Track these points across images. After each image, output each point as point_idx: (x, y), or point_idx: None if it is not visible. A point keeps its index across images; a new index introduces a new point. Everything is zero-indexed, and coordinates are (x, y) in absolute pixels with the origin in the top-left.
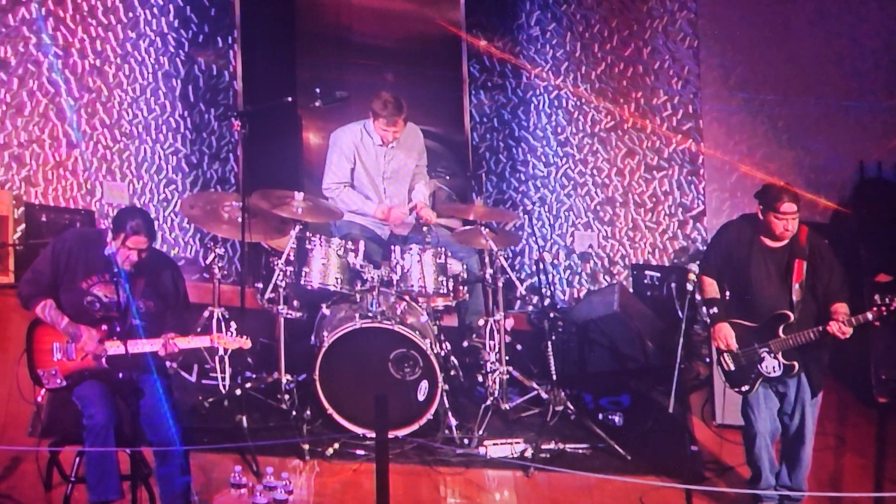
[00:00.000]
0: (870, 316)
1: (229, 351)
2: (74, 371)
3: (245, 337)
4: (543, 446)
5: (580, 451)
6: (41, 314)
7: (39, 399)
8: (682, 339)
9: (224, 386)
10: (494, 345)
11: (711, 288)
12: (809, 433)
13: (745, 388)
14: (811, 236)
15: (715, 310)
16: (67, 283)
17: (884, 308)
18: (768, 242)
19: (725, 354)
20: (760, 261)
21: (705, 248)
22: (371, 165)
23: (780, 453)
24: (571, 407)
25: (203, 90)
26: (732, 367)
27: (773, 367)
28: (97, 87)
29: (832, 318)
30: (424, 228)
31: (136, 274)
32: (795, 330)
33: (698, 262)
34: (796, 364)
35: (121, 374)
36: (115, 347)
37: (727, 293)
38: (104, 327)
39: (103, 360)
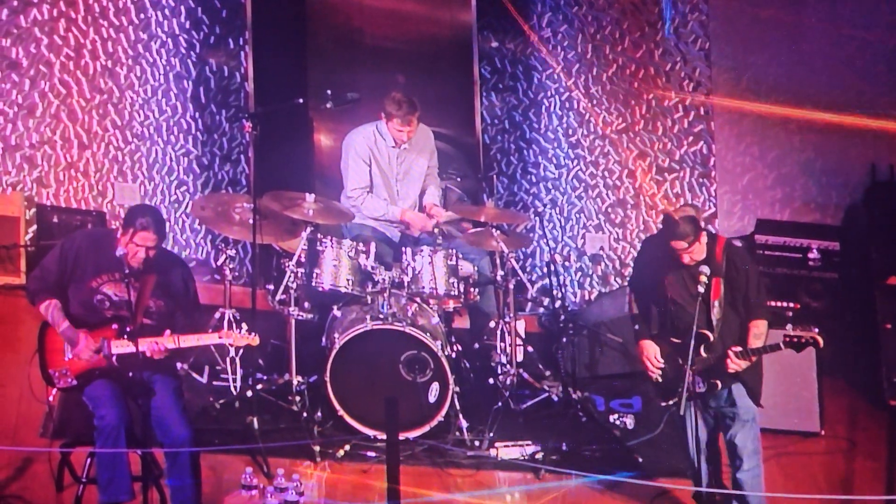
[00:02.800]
0: (782, 346)
1: (240, 352)
2: (85, 370)
3: (253, 334)
4: (554, 448)
5: (591, 453)
6: (44, 313)
7: (51, 399)
8: (692, 342)
9: (235, 387)
10: (505, 347)
11: (637, 304)
12: (747, 452)
13: (673, 401)
14: (728, 248)
15: (637, 326)
16: (77, 282)
17: (795, 339)
18: (683, 259)
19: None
20: (679, 278)
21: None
22: (385, 167)
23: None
24: (582, 409)
25: (214, 92)
26: (661, 381)
27: (699, 384)
28: (108, 88)
29: (746, 336)
30: (435, 230)
31: (147, 273)
32: (718, 348)
33: (629, 279)
34: (719, 383)
35: (131, 373)
36: (124, 346)
37: (652, 308)
38: (114, 326)
39: (114, 359)
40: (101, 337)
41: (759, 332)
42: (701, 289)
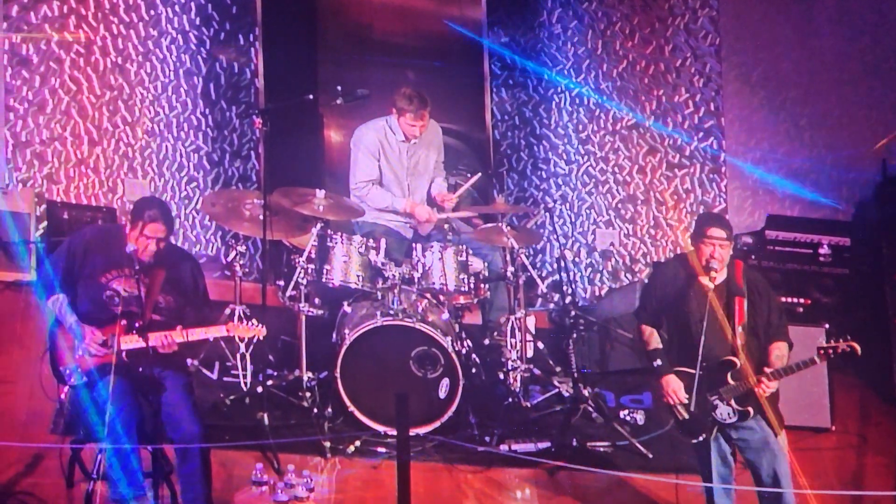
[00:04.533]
0: (817, 360)
1: (251, 348)
2: (96, 366)
3: (260, 325)
4: (565, 444)
5: (601, 449)
6: (52, 307)
7: (63, 397)
8: (703, 338)
9: (245, 383)
10: (516, 342)
11: (652, 338)
12: (784, 476)
13: (703, 436)
14: (747, 272)
15: (659, 362)
16: (86, 278)
17: (830, 351)
18: (705, 282)
19: (678, 405)
20: (699, 303)
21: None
22: (395, 162)
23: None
24: (593, 405)
25: (224, 88)
26: (686, 417)
27: (728, 414)
28: (119, 84)
29: (767, 359)
30: (445, 226)
31: (156, 268)
32: (743, 375)
33: (635, 311)
34: (751, 409)
35: (140, 369)
36: (133, 342)
37: (667, 339)
38: (123, 322)
39: (123, 354)
40: (111, 333)
41: (780, 353)
42: (711, 285)
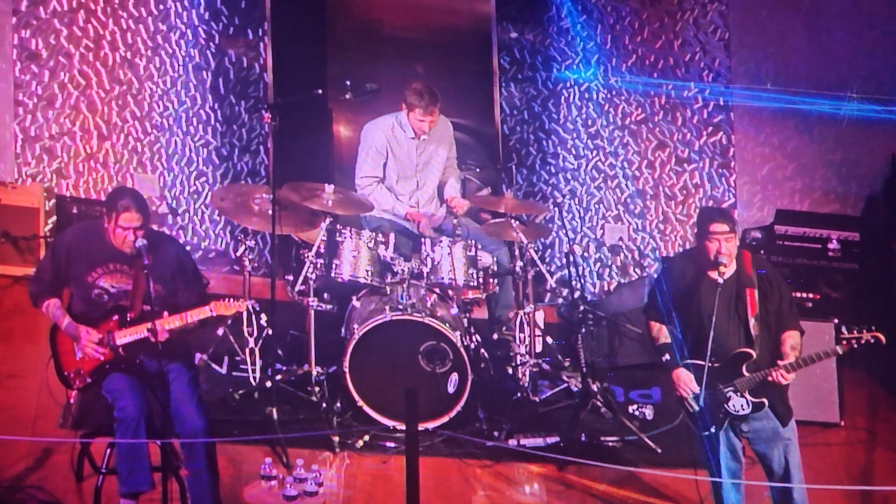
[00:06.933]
0: (840, 350)
1: (259, 343)
2: (96, 366)
3: (240, 300)
4: (573, 439)
5: (610, 443)
6: (46, 313)
7: (71, 401)
8: (711, 333)
9: (254, 378)
10: (524, 337)
11: (661, 333)
12: (795, 466)
13: (713, 429)
14: (756, 261)
15: (667, 356)
16: (75, 279)
17: (854, 342)
18: (714, 276)
19: (689, 397)
20: (709, 297)
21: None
22: (404, 158)
23: (772, 499)
24: (602, 400)
25: (233, 82)
26: (697, 409)
27: (742, 406)
28: (128, 79)
29: (781, 348)
30: (454, 221)
31: (140, 258)
32: (759, 366)
33: (643, 307)
34: (766, 401)
35: (139, 360)
36: (127, 336)
37: (678, 335)
38: (115, 317)
39: (120, 349)
40: (106, 330)
41: (794, 342)
42: (720, 280)
